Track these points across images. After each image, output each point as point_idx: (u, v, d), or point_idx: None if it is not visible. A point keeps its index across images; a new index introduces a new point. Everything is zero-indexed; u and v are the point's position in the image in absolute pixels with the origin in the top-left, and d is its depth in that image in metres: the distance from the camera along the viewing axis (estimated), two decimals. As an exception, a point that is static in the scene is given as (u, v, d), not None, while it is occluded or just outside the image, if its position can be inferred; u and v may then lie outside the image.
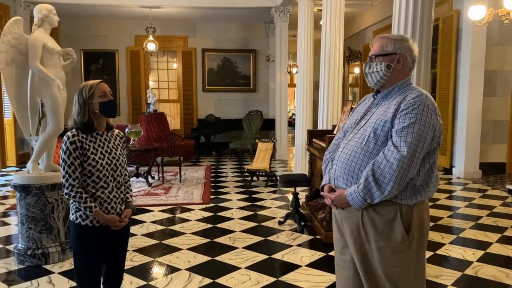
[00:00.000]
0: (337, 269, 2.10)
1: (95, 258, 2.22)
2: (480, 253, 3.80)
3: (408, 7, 3.06)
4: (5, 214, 5.17)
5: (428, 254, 3.74)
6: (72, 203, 2.19)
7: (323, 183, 2.06)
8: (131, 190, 2.39)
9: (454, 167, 7.48)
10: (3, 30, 3.49)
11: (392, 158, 1.74)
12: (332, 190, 1.97)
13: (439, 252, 3.83)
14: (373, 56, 1.93)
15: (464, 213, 5.16)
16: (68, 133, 2.15)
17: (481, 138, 7.21)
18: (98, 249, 2.21)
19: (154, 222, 4.83)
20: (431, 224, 4.64)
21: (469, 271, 3.41)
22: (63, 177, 2.10)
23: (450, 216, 5.00)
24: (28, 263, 3.53)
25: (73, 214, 2.20)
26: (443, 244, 4.02)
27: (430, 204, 5.41)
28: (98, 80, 2.27)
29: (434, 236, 4.25)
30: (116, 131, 2.37)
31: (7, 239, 4.23)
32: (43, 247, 3.56)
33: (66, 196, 2.12)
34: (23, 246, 3.59)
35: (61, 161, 2.12)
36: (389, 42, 1.91)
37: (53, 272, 3.40)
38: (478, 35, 6.88)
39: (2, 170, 7.96)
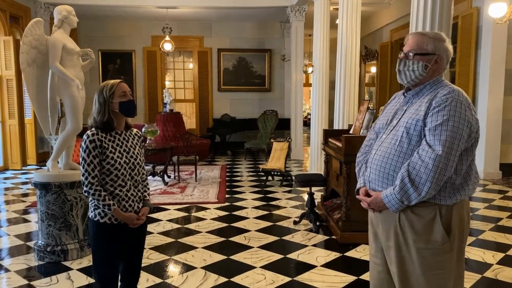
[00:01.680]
0: (370, 271, 2.08)
1: (113, 255, 2.25)
2: (500, 255, 3.73)
3: (426, 5, 3.01)
4: (26, 212, 5.29)
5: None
6: (91, 200, 2.23)
7: (358, 186, 2.02)
8: (148, 189, 2.42)
9: (473, 167, 7.33)
10: (24, 31, 3.57)
11: (427, 158, 1.69)
12: (367, 193, 1.93)
13: (457, 254, 3.76)
14: (410, 54, 1.85)
15: (483, 215, 5.06)
16: (88, 132, 2.19)
17: (502, 139, 7.07)
18: (116, 246, 2.25)
19: (170, 220, 4.87)
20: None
21: (488, 274, 3.34)
22: (83, 175, 2.14)
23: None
24: (48, 260, 3.61)
25: (91, 212, 2.24)
26: (462, 246, 3.94)
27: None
28: (118, 80, 2.30)
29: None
30: (135, 130, 2.40)
31: (28, 236, 4.33)
32: (62, 244, 3.63)
33: (85, 194, 2.16)
34: (43, 243, 3.66)
35: (80, 159, 2.16)
36: (429, 41, 1.84)
37: (72, 269, 3.46)
38: (498, 32, 6.73)
39: (23, 168, 8.14)
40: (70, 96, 3.63)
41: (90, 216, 2.25)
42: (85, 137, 2.17)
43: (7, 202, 5.85)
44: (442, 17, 3.00)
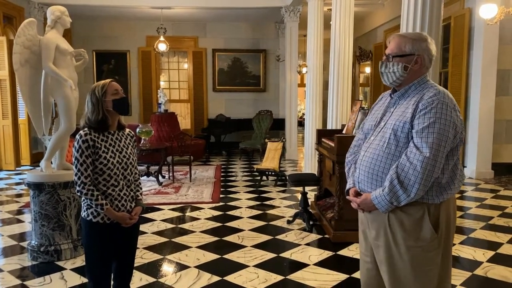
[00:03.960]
0: (361, 269, 2.11)
1: (105, 254, 2.26)
2: (490, 253, 3.77)
3: (416, 6, 3.05)
4: (20, 212, 5.28)
5: (438, 254, 3.72)
6: (83, 200, 2.24)
7: (347, 186, 2.05)
8: (141, 188, 2.44)
9: (466, 167, 7.40)
10: (17, 32, 3.57)
11: (415, 160, 1.73)
12: (357, 193, 1.97)
13: (448, 252, 3.81)
14: (390, 56, 1.89)
15: (475, 214, 5.12)
16: (81, 132, 2.20)
17: (494, 138, 7.14)
18: (109, 246, 2.26)
19: (164, 220, 4.88)
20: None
21: (478, 272, 3.39)
22: (75, 174, 2.15)
23: (461, 217, 4.95)
24: (41, 260, 3.61)
25: (84, 211, 2.25)
26: (453, 244, 3.98)
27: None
28: (109, 80, 2.32)
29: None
30: (127, 130, 2.41)
31: (22, 236, 4.32)
32: (56, 244, 3.63)
33: (78, 194, 2.17)
34: (36, 243, 3.67)
35: (73, 159, 2.17)
36: (407, 42, 1.87)
37: (65, 269, 3.47)
38: (490, 33, 6.80)
39: (17, 169, 8.11)
40: (63, 96, 3.64)
41: (82, 216, 2.27)
42: (77, 137, 2.18)
43: (1, 203, 5.84)
44: (432, 18, 3.03)
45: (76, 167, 2.14)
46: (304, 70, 8.63)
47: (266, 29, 11.32)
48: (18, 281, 3.27)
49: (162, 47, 9.63)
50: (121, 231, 2.28)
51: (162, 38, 9.60)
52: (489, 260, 3.61)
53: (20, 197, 6.08)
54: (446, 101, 1.78)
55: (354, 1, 5.70)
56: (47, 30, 3.69)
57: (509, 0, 5.30)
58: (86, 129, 2.21)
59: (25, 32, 3.59)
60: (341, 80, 5.55)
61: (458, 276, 3.28)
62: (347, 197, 2.03)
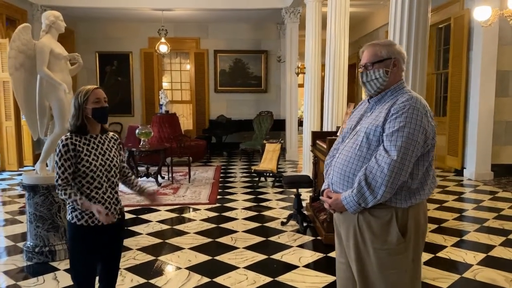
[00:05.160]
0: (337, 271, 2.14)
1: (89, 257, 2.31)
2: (481, 256, 3.77)
3: (403, 10, 3.06)
4: (19, 213, 5.36)
5: (428, 256, 3.74)
6: (68, 203, 2.29)
7: (322, 188, 2.10)
8: (137, 181, 2.52)
9: (465, 168, 7.38)
10: (12, 36, 3.64)
11: (383, 162, 1.77)
12: (330, 194, 2.00)
13: (439, 254, 3.82)
14: (368, 65, 1.93)
15: (471, 216, 5.11)
16: (62, 136, 2.25)
17: (493, 139, 7.10)
18: (93, 249, 2.30)
19: (160, 221, 4.94)
20: (435, 226, 4.62)
21: (467, 274, 3.39)
22: (55, 177, 2.21)
23: (456, 219, 4.95)
24: (36, 260, 3.68)
25: (69, 214, 2.30)
26: (445, 247, 4.00)
27: (437, 206, 5.42)
28: (94, 86, 2.36)
29: (436, 238, 4.23)
30: (111, 133, 2.46)
31: (19, 237, 4.40)
32: (50, 245, 3.70)
33: (59, 196, 2.23)
34: (31, 244, 3.73)
35: (54, 163, 2.23)
36: (381, 48, 1.93)
37: (59, 269, 3.53)
38: (489, 34, 6.77)
39: (20, 169, 8.23)
40: (58, 99, 3.70)
41: (68, 219, 2.31)
42: (59, 141, 2.23)
43: (4, 203, 5.94)
44: (419, 21, 3.05)
45: (55, 169, 2.20)
46: (297, 69, 8.59)
47: (267, 30, 11.35)
48: (12, 281, 3.34)
49: (163, 48, 9.70)
50: (106, 234, 2.32)
51: (163, 40, 9.67)
52: (479, 263, 3.61)
53: (21, 197, 6.16)
54: (418, 106, 1.82)
55: (350, 2, 5.71)
56: (41, 35, 3.75)
57: (505, 1, 5.27)
58: (68, 134, 2.26)
59: (20, 37, 3.66)
60: (337, 82, 5.57)
61: (446, 279, 3.29)
62: (320, 197, 2.07)
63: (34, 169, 3.93)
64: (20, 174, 7.81)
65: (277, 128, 10.39)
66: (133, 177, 2.49)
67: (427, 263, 3.58)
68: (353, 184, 1.87)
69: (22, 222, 4.94)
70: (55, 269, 3.53)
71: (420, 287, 1.99)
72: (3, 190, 6.72)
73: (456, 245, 4.06)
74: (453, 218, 4.95)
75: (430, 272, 3.41)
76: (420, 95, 3.06)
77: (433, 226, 4.61)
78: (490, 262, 3.63)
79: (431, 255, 3.77)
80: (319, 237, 4.32)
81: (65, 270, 3.50)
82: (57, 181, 2.19)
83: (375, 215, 1.85)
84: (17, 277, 3.42)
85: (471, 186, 6.71)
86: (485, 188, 6.53)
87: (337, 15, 5.43)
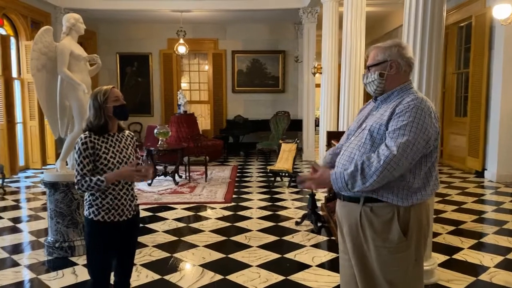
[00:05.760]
0: (340, 268, 2.16)
1: (105, 251, 2.38)
2: (499, 258, 3.70)
3: (418, 9, 3.03)
4: (42, 209, 5.53)
5: (444, 258, 3.70)
6: (85, 199, 2.38)
7: (313, 163, 2.14)
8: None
9: (486, 170, 7.22)
10: (34, 38, 3.77)
11: (382, 154, 1.79)
12: (316, 171, 1.98)
13: (455, 256, 3.76)
14: (368, 67, 2.00)
15: (490, 218, 5.01)
16: (81, 135, 2.33)
17: (516, 140, 6.92)
18: (109, 243, 2.38)
19: (176, 219, 5.02)
20: (452, 228, 4.56)
21: (483, 277, 3.33)
22: (74, 174, 2.29)
23: (475, 221, 4.86)
24: (56, 255, 3.80)
25: (86, 210, 2.38)
26: (462, 249, 3.94)
27: (455, 208, 5.34)
28: (111, 86, 2.44)
29: (453, 240, 4.17)
30: (127, 132, 2.53)
31: (41, 232, 4.55)
32: (70, 240, 3.82)
33: (79, 191, 2.31)
34: (52, 239, 3.86)
35: (73, 161, 2.31)
36: (379, 51, 1.98)
37: (78, 264, 3.64)
38: (511, 32, 6.60)
39: (43, 167, 8.49)
40: (77, 99, 3.82)
41: (85, 214, 2.40)
42: (78, 139, 2.32)
43: (28, 200, 6.15)
44: (434, 22, 3.01)
45: (74, 167, 2.28)
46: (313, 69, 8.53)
47: (285, 30, 11.36)
48: (33, 275, 3.47)
49: (181, 49, 9.83)
50: (121, 229, 2.39)
51: (181, 41, 9.80)
52: (496, 266, 3.55)
53: (44, 194, 6.35)
54: (422, 106, 1.83)
55: (366, 1, 5.67)
56: (62, 37, 3.88)
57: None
58: (87, 132, 2.34)
59: (42, 39, 3.79)
60: (353, 82, 5.54)
61: (461, 281, 3.25)
62: (299, 175, 2.06)
63: (55, 167, 4.06)
64: (43, 172, 8.06)
65: (294, 128, 10.38)
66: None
67: (442, 264, 3.54)
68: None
69: (44, 218, 5.11)
70: (74, 264, 3.64)
71: (423, 286, 1.99)
72: (27, 187, 6.95)
73: (473, 247, 3.99)
74: (471, 220, 4.86)
75: (445, 274, 3.36)
76: (434, 96, 3.08)
77: (450, 228, 4.55)
78: (508, 265, 3.56)
79: (446, 257, 3.72)
80: (333, 237, 4.31)
81: (84, 265, 3.60)
82: (76, 177, 2.27)
83: (377, 213, 1.87)
84: (38, 271, 3.54)
85: (492, 188, 6.57)
86: (506, 190, 6.38)
87: (353, 14, 5.40)
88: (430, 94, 3.05)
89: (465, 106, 8.31)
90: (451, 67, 8.77)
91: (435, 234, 4.19)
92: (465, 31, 8.39)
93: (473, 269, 3.49)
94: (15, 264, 3.69)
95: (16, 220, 5.06)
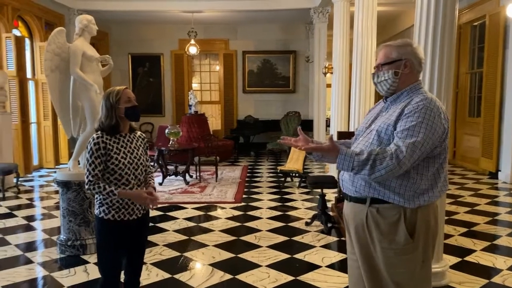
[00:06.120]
0: (348, 269, 2.15)
1: (116, 250, 2.41)
2: (512, 261, 3.65)
3: (429, 8, 3.00)
4: (55, 207, 5.61)
5: (456, 260, 3.65)
6: (96, 198, 2.41)
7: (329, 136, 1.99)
8: (153, 178, 2.56)
9: (500, 171, 7.11)
10: (48, 40, 3.83)
11: (395, 156, 1.75)
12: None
13: (467, 258, 3.72)
14: (380, 66, 1.96)
15: (504, 220, 4.93)
16: (93, 135, 2.36)
17: (530, 141, 6.80)
18: (119, 242, 2.40)
19: (186, 219, 5.05)
20: (464, 230, 4.50)
21: (496, 279, 3.29)
22: (85, 174, 2.31)
23: (488, 223, 4.79)
24: (68, 253, 3.86)
25: (97, 209, 2.41)
26: (474, 251, 3.89)
27: (468, 209, 5.27)
28: (124, 87, 2.46)
29: (465, 242, 4.12)
30: (139, 133, 2.56)
31: (54, 231, 4.61)
32: (81, 238, 3.87)
33: (88, 192, 2.34)
34: (64, 237, 3.92)
35: (85, 160, 2.34)
36: (392, 49, 1.94)
37: (89, 262, 3.69)
38: (526, 31, 6.50)
39: (56, 167, 8.61)
40: (89, 100, 3.87)
41: (95, 213, 2.43)
42: (90, 139, 2.34)
43: (41, 199, 6.25)
44: (446, 21, 2.98)
45: (86, 167, 2.31)
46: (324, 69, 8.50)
47: (296, 30, 11.34)
48: (46, 272, 3.52)
49: (192, 50, 9.89)
50: (131, 228, 2.42)
51: (192, 42, 9.85)
52: (509, 268, 3.49)
53: (57, 193, 6.45)
54: (431, 107, 1.80)
55: (378, 1, 5.63)
56: (75, 38, 3.93)
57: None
58: (99, 132, 2.37)
59: (55, 40, 3.85)
60: (364, 81, 5.51)
61: (473, 283, 3.20)
62: (311, 140, 1.95)
63: (68, 167, 4.12)
64: (56, 171, 8.18)
65: (305, 128, 10.31)
66: (150, 175, 2.55)
67: (454, 266, 3.50)
68: (361, 181, 1.87)
69: (57, 217, 5.18)
70: (85, 262, 3.69)
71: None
72: (41, 186, 7.06)
73: (486, 249, 3.94)
74: (484, 222, 4.80)
75: (457, 276, 3.32)
76: (446, 96, 3.05)
77: (463, 230, 4.49)
78: (522, 268, 3.50)
79: (458, 259, 3.68)
80: (343, 238, 4.29)
81: (95, 263, 3.64)
82: (87, 177, 2.29)
83: (383, 214, 1.85)
84: (51, 268, 3.60)
85: (506, 189, 6.46)
86: (520, 191, 6.28)
87: (364, 14, 5.37)
88: (442, 94, 3.02)
89: (478, 106, 8.19)
90: (464, 67, 8.66)
91: (447, 236, 4.14)
92: (479, 30, 8.28)
93: (486, 272, 3.44)
94: (29, 261, 3.75)
95: (30, 218, 5.14)
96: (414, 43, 1.99)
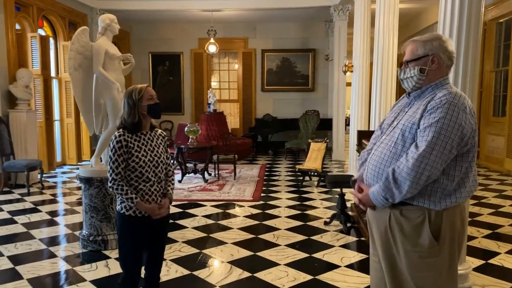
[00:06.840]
0: (371, 270, 2.13)
1: (137, 245, 2.45)
2: (539, 265, 3.54)
3: (454, 5, 2.94)
4: (77, 203, 5.73)
5: (479, 262, 3.57)
6: (117, 195, 2.44)
7: (353, 178, 2.07)
8: (173, 184, 2.59)
9: (526, 172, 6.91)
10: (71, 39, 3.91)
11: (411, 157, 1.72)
12: (361, 188, 1.98)
13: (491, 261, 3.63)
14: (406, 62, 1.91)
15: (529, 222, 4.80)
16: (116, 133, 2.40)
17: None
18: (140, 237, 2.44)
19: (205, 216, 5.08)
20: (488, 232, 4.40)
21: (521, 283, 3.20)
22: (108, 171, 2.35)
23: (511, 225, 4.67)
24: (90, 248, 3.93)
25: (118, 205, 2.45)
26: (498, 253, 3.79)
27: (492, 211, 5.14)
28: (145, 84, 2.50)
29: (489, 244, 4.02)
30: (159, 131, 2.58)
31: (77, 226, 4.71)
32: (103, 234, 3.94)
33: (110, 189, 2.37)
34: (86, 233, 4.00)
35: (107, 157, 2.38)
36: (418, 45, 1.88)
37: (110, 258, 3.75)
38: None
39: (78, 163, 8.79)
40: (111, 98, 3.93)
41: (117, 209, 2.47)
42: (113, 137, 2.38)
43: (64, 195, 6.39)
44: (471, 18, 2.90)
45: (109, 164, 2.34)
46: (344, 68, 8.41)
47: (315, 29, 11.27)
48: (69, 266, 3.60)
49: (212, 49, 9.93)
50: (152, 224, 2.45)
51: (212, 40, 9.90)
52: (535, 272, 3.40)
53: (79, 189, 6.58)
54: (455, 101, 1.74)
55: (399, -2, 5.53)
56: (98, 37, 4.00)
57: None
58: (121, 130, 2.40)
59: (79, 39, 3.92)
60: (385, 80, 5.43)
61: (497, 287, 3.13)
62: (351, 191, 2.05)
63: (90, 163, 4.20)
64: (79, 168, 8.35)
65: (324, 127, 10.29)
66: (171, 178, 2.57)
67: (477, 269, 3.42)
68: None
69: (79, 213, 5.29)
70: (107, 257, 3.76)
71: None
72: (64, 182, 7.22)
73: (510, 252, 3.84)
74: (509, 224, 4.67)
75: (480, 279, 3.25)
76: (471, 95, 2.98)
77: (486, 232, 4.39)
78: (548, 272, 3.40)
79: (482, 262, 3.59)
80: (362, 238, 4.25)
81: (116, 259, 3.71)
82: (110, 175, 2.33)
83: (407, 216, 1.80)
84: (74, 263, 3.68)
85: (532, 191, 6.28)
86: (547, 193, 6.09)
87: (385, 11, 5.29)
88: (466, 93, 2.94)
89: (503, 105, 7.98)
90: (489, 65, 8.44)
91: (470, 238, 4.05)
92: (505, 27, 8.06)
93: (510, 275, 3.35)
94: (52, 255, 3.85)
95: (53, 213, 5.27)
96: (444, 36, 1.92)
